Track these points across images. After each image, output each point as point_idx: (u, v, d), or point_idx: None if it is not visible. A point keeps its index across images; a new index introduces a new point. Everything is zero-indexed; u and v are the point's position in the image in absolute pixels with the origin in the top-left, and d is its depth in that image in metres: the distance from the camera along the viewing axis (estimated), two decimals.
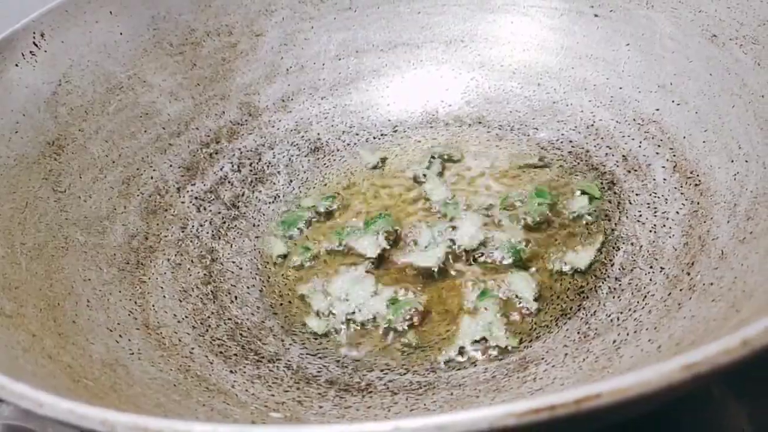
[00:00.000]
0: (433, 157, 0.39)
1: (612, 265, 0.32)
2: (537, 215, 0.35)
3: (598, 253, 0.32)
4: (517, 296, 0.31)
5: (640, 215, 0.33)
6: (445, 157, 0.39)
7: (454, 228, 0.34)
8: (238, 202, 0.38)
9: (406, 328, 0.31)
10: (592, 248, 0.32)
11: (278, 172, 0.40)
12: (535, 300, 0.31)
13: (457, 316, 0.31)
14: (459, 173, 0.38)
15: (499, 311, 0.31)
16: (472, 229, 0.34)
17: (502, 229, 0.34)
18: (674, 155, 0.34)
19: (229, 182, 0.38)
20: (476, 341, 0.30)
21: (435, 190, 0.37)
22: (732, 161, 0.31)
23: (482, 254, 0.33)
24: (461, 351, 0.30)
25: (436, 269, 0.33)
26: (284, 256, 0.35)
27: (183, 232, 0.35)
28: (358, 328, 0.31)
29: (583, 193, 0.35)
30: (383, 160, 0.40)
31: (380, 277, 0.33)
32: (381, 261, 0.34)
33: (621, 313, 0.29)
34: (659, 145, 0.35)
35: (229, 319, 0.32)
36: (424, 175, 0.38)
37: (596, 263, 0.32)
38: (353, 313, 0.32)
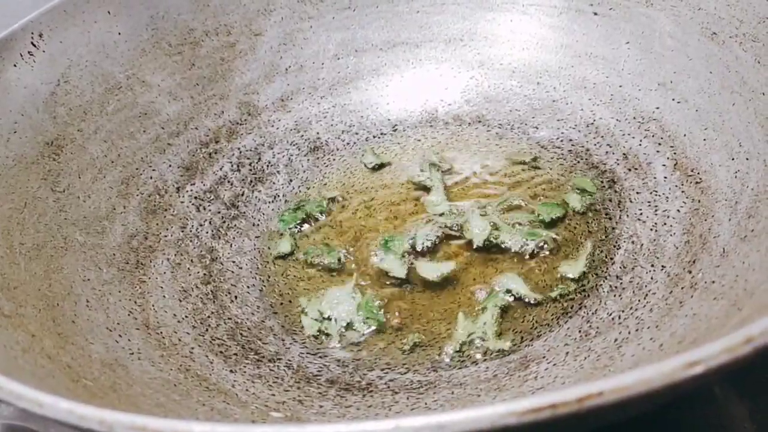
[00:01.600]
0: (430, 166, 0.38)
1: (613, 264, 0.32)
2: (537, 216, 0.34)
3: (589, 261, 0.32)
4: (510, 293, 0.31)
5: (641, 213, 0.33)
6: (440, 166, 0.38)
7: (461, 229, 0.34)
8: (238, 201, 0.38)
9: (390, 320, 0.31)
10: (582, 256, 0.32)
11: (278, 172, 0.40)
12: (534, 291, 0.31)
13: (457, 316, 0.31)
14: (458, 173, 0.38)
15: (498, 312, 0.30)
16: (480, 230, 0.34)
17: (501, 230, 0.34)
18: (675, 153, 0.34)
19: (228, 182, 0.38)
20: (476, 340, 0.30)
21: (436, 203, 0.36)
22: (733, 159, 0.31)
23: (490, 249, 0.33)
24: (462, 350, 0.29)
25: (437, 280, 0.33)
26: (286, 255, 0.35)
27: (183, 231, 0.35)
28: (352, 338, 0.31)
29: (579, 189, 0.35)
30: (383, 159, 0.40)
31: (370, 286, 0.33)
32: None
33: (622, 311, 0.29)
34: (660, 143, 0.35)
35: (229, 318, 0.32)
36: (426, 187, 0.38)
37: (595, 263, 0.32)
38: (346, 325, 0.31)
